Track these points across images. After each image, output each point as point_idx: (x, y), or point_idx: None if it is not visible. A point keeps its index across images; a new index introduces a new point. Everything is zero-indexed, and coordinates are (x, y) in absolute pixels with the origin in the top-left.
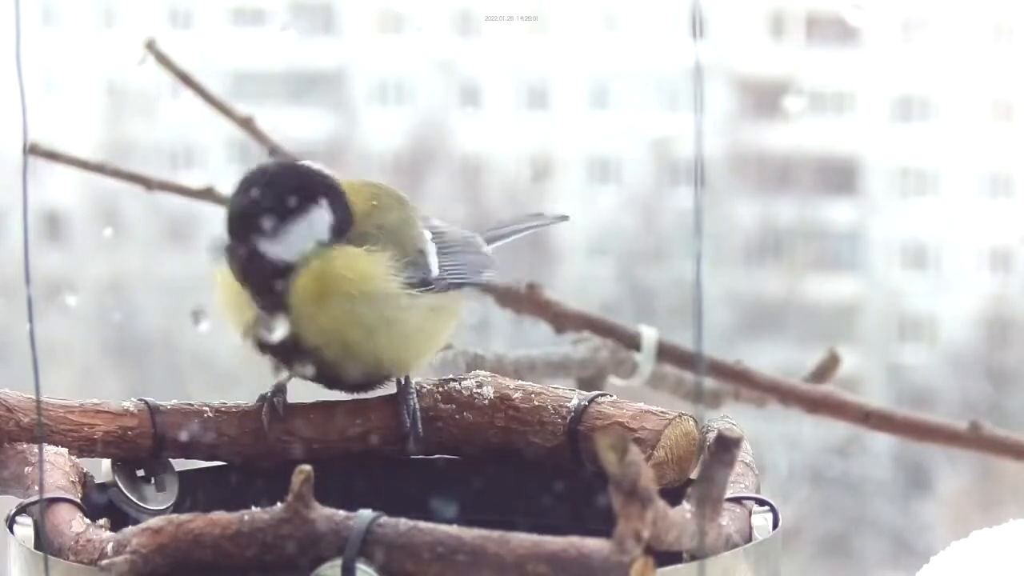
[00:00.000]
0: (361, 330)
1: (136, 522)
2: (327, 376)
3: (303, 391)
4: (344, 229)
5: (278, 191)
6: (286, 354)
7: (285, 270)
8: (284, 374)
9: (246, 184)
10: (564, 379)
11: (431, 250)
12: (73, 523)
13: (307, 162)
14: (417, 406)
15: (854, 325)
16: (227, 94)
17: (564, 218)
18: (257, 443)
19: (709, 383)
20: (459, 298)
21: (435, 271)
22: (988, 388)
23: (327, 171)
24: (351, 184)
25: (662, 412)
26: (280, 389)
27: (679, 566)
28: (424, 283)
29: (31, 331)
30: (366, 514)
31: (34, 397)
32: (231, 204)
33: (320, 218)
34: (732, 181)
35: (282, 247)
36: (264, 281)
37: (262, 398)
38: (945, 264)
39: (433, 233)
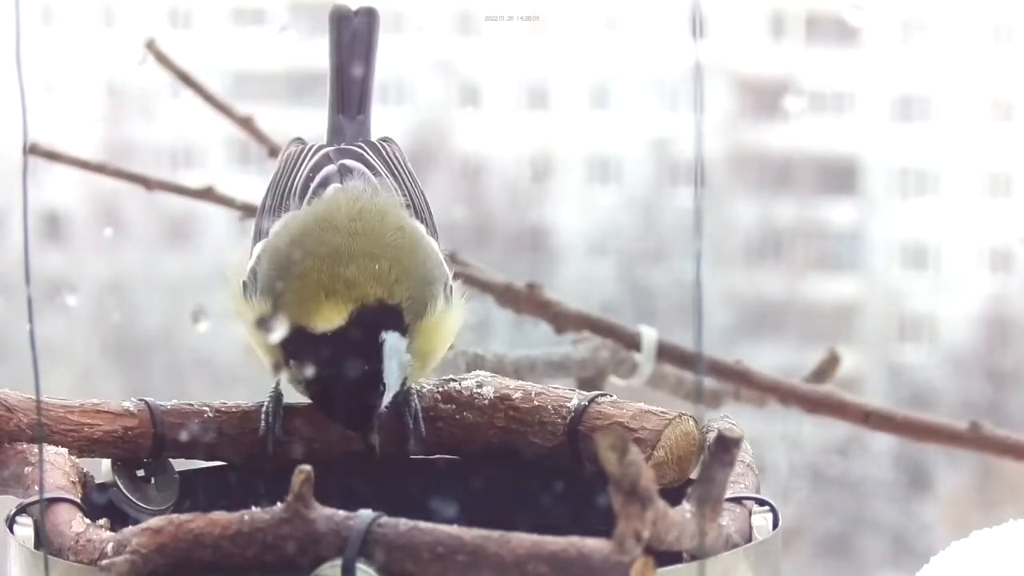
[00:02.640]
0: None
1: (136, 522)
2: None
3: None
4: (405, 323)
5: (363, 364)
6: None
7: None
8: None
9: (333, 374)
10: (564, 379)
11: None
12: (73, 523)
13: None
14: (419, 406)
15: (854, 325)
16: (227, 94)
17: None
18: (257, 443)
19: (709, 383)
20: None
21: (450, 280)
22: (988, 388)
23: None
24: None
25: (662, 412)
26: (279, 405)
27: (679, 566)
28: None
29: (31, 331)
30: (366, 514)
31: (34, 397)
32: (335, 401)
33: (392, 346)
34: (732, 181)
35: (388, 395)
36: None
37: (266, 421)
38: (945, 264)
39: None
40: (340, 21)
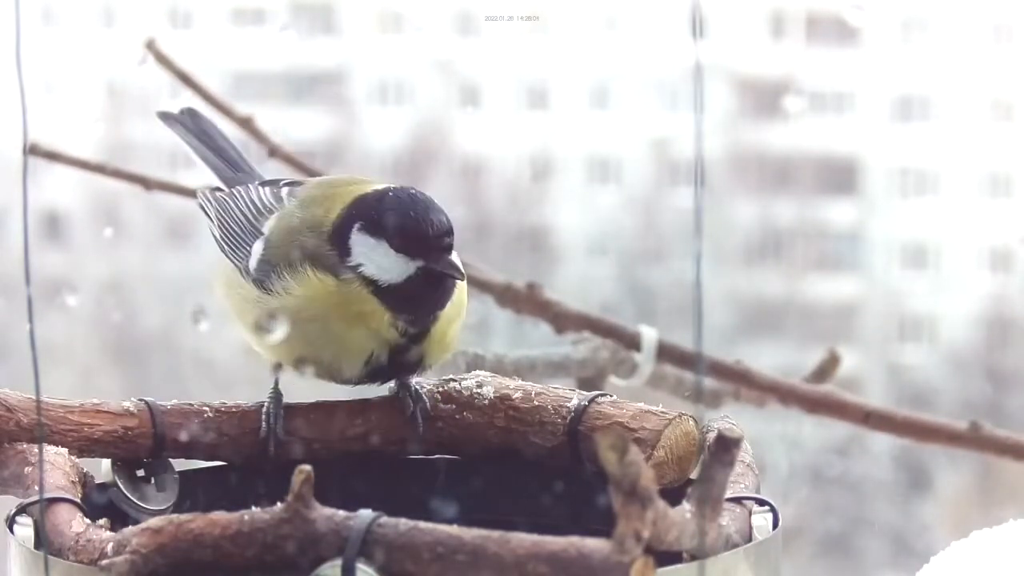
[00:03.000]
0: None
1: (136, 522)
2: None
3: (303, 391)
4: None
5: (446, 220)
6: (399, 369)
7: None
8: (282, 375)
9: (429, 205)
10: (564, 379)
11: None
12: (73, 523)
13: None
14: (419, 389)
15: (854, 325)
16: (227, 94)
17: None
18: (257, 443)
19: (709, 383)
20: None
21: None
22: (988, 388)
23: None
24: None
25: (662, 412)
26: (279, 406)
27: (679, 566)
28: None
29: (31, 331)
30: (366, 514)
31: (34, 397)
32: (431, 221)
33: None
34: (732, 181)
35: (458, 267)
36: (446, 297)
37: (267, 421)
38: (945, 264)
39: None
40: (177, 122)
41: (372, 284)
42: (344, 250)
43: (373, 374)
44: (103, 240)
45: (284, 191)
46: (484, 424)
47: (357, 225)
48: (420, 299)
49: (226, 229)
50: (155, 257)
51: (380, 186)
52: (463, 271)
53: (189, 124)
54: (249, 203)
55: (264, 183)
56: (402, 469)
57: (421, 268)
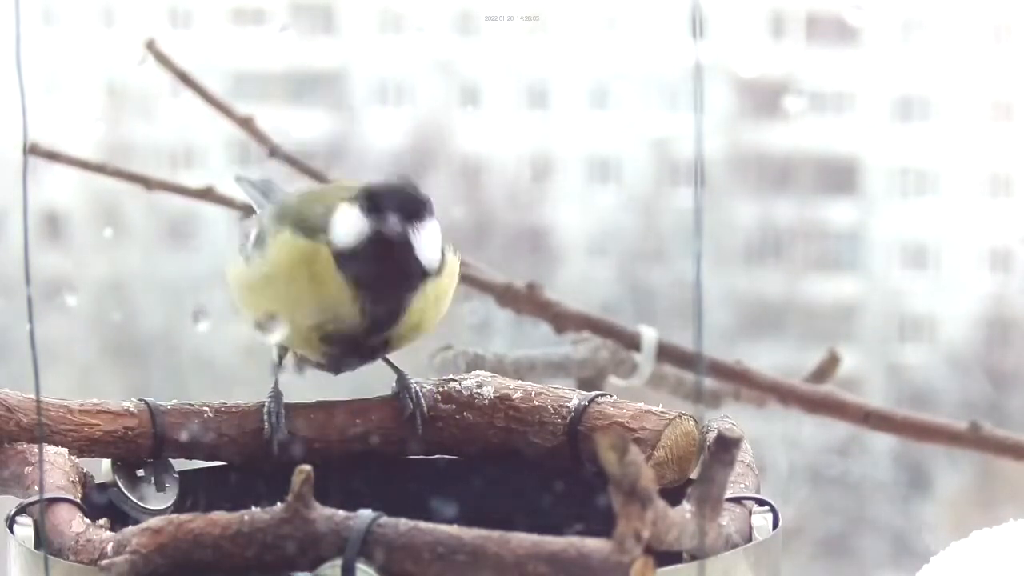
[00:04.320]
0: (436, 320)
1: (136, 522)
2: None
3: (303, 391)
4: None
5: (420, 196)
6: (357, 347)
7: (423, 275)
8: (282, 375)
9: (411, 182)
10: (564, 379)
11: None
12: (73, 523)
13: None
14: (419, 390)
15: (854, 325)
16: (227, 94)
17: None
18: (257, 443)
19: (709, 383)
20: None
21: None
22: (988, 388)
23: None
24: None
25: (662, 412)
26: (280, 405)
27: (679, 566)
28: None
29: (31, 331)
30: (366, 514)
31: (34, 397)
32: (402, 189)
33: (438, 231)
34: (732, 181)
35: (429, 251)
36: (405, 279)
37: (270, 421)
38: (945, 264)
39: None
40: (252, 185)
41: (335, 249)
42: (327, 222)
43: (337, 352)
44: (103, 240)
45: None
46: (484, 424)
47: (347, 202)
48: (375, 272)
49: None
50: (155, 257)
51: None
52: (435, 255)
53: (261, 187)
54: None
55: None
56: (402, 469)
57: (372, 230)
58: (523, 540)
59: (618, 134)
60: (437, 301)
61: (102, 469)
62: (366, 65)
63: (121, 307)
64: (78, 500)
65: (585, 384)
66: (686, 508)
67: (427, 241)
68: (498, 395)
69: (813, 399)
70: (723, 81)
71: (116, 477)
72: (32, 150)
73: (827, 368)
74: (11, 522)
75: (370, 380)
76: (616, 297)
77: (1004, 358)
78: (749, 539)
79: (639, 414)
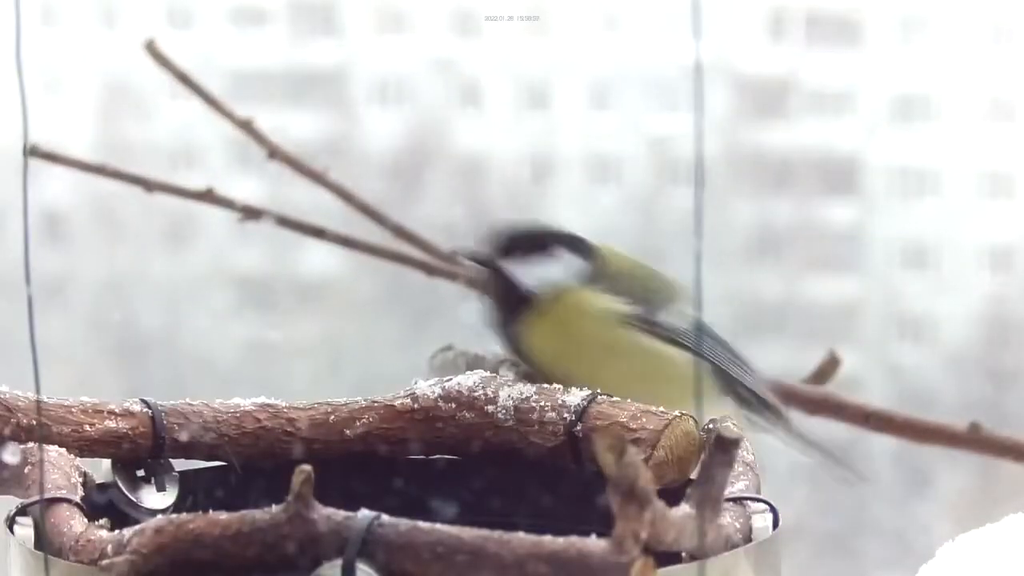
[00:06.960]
0: (574, 349)
1: (136, 522)
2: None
3: (303, 391)
4: (592, 279)
5: (536, 232)
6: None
7: (527, 297)
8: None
9: (510, 226)
10: None
11: (678, 312)
12: (73, 523)
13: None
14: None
15: (854, 325)
16: (227, 94)
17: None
18: (257, 443)
19: None
20: (692, 366)
21: (677, 324)
22: (988, 388)
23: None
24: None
25: (662, 412)
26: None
27: (679, 566)
28: (646, 322)
29: (31, 331)
30: (366, 514)
31: (34, 397)
32: (499, 231)
33: (570, 264)
34: (732, 181)
35: (530, 277)
36: (509, 302)
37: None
38: (945, 264)
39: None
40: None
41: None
42: None
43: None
44: (103, 240)
45: None
46: (484, 424)
47: None
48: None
49: None
50: (155, 257)
51: None
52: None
53: None
54: None
55: None
56: (402, 469)
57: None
58: (523, 540)
59: (618, 134)
60: (555, 328)
61: (102, 469)
62: (366, 65)
63: (121, 307)
64: (78, 500)
65: None
66: (686, 508)
67: (523, 271)
68: (498, 395)
69: (813, 400)
70: (723, 81)
71: (116, 477)
72: (32, 151)
73: (827, 369)
74: (11, 522)
75: (370, 380)
76: None
77: (1004, 358)
78: (749, 539)
79: (639, 414)
